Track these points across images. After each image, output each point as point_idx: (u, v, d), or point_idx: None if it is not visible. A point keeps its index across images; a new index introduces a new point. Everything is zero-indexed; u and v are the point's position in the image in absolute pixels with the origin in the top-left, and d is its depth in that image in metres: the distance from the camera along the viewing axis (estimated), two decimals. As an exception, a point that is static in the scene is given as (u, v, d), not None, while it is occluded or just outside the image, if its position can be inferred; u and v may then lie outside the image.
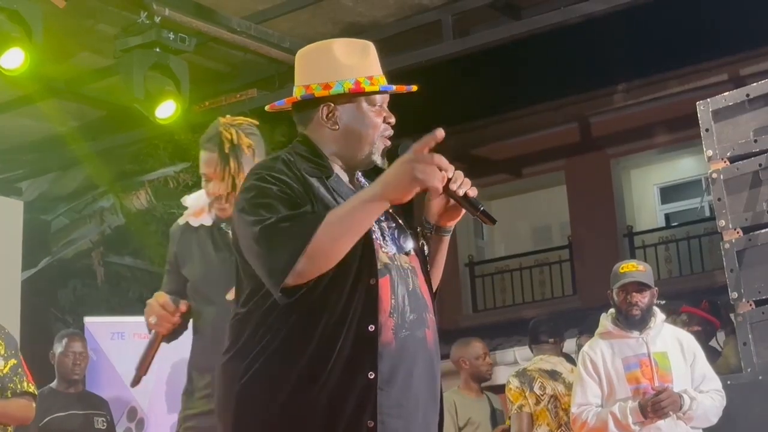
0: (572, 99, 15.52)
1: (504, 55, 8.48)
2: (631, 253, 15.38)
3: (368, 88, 3.00)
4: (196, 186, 12.62)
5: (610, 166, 15.85)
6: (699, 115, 5.98)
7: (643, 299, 5.70)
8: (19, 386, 5.08)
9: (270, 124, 13.44)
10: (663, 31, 13.39)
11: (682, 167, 16.19)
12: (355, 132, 3.03)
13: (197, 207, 4.18)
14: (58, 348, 7.06)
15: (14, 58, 6.28)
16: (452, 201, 3.05)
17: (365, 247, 2.86)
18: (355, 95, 3.01)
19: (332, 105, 3.02)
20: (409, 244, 3.05)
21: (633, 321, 5.70)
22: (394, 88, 3.03)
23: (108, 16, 7.26)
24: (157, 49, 6.93)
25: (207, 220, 4.11)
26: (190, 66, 7.17)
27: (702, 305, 7.60)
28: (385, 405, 2.80)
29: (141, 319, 4.06)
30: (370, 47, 3.08)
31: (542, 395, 6.63)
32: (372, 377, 2.78)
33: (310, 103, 3.04)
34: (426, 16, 7.75)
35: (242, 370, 2.84)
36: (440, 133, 2.79)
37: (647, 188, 16.66)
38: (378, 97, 3.04)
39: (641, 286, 5.71)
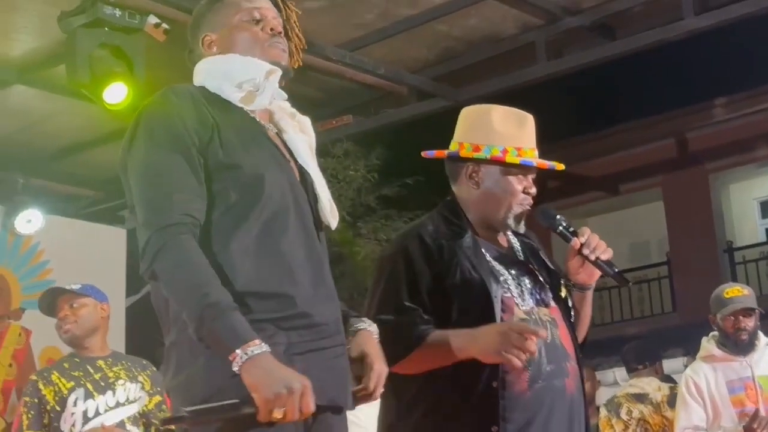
0: (668, 114, 15.39)
1: (599, 71, 8.44)
2: (732, 269, 15.18)
3: (509, 159, 3.17)
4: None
5: (709, 181, 15.67)
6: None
7: (749, 323, 5.68)
8: None
9: (366, 147, 13.57)
10: (760, 44, 13.20)
11: (783, 181, 15.95)
12: (493, 195, 3.22)
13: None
14: None
15: (117, 93, 6.41)
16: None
17: (485, 311, 3.05)
18: (497, 162, 3.19)
19: (477, 166, 3.22)
20: (549, 297, 3.22)
21: (742, 345, 5.67)
22: (535, 164, 3.20)
23: (206, 47, 7.38)
24: (255, 79, 7.03)
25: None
26: (286, 94, 7.25)
27: None
28: None
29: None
30: (528, 120, 3.25)
31: (629, 420, 6.61)
32: (495, 430, 2.96)
33: (459, 159, 3.26)
34: (520, 38, 7.74)
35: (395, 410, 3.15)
36: (542, 333, 3.01)
37: (747, 203, 16.42)
38: (522, 166, 3.20)
39: (748, 311, 5.68)
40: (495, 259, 3.20)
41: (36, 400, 5.13)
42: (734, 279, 14.64)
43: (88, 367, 5.22)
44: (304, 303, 2.53)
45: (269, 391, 2.33)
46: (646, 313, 16.14)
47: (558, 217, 3.26)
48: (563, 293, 3.28)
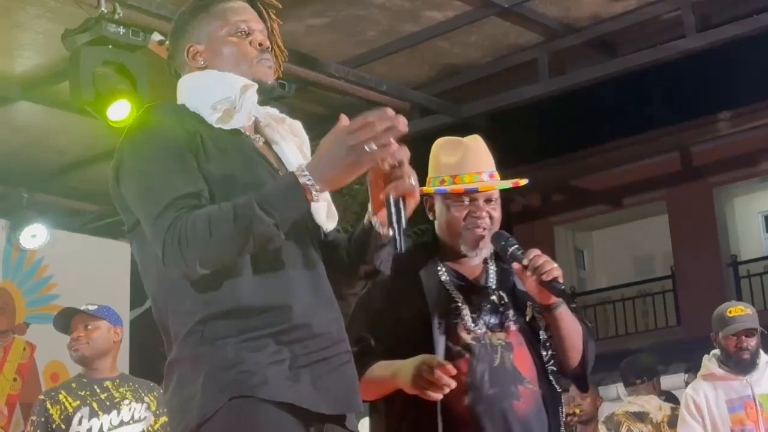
0: (672, 128, 15.39)
1: (602, 85, 8.49)
2: (736, 282, 15.16)
3: (426, 190, 3.30)
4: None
5: (713, 194, 15.66)
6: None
7: (752, 342, 5.70)
8: None
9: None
10: (764, 59, 13.22)
11: (788, 194, 15.94)
12: (442, 224, 3.36)
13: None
14: None
15: (121, 110, 6.44)
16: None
17: (424, 337, 3.17)
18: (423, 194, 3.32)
19: (431, 198, 3.36)
20: (510, 322, 3.27)
21: (744, 365, 5.69)
22: (447, 190, 3.28)
23: (210, 64, 7.41)
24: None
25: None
26: (290, 110, 7.27)
27: None
28: None
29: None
30: (463, 145, 3.33)
31: None
32: None
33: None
34: (522, 55, 7.78)
35: None
36: (450, 367, 3.01)
37: (752, 216, 16.42)
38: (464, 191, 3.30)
39: (750, 331, 5.70)
40: (455, 284, 3.30)
41: (42, 419, 5.14)
42: (738, 293, 14.64)
43: (95, 387, 5.23)
44: (303, 313, 2.49)
45: (346, 158, 2.36)
46: (650, 326, 16.12)
47: (509, 239, 3.27)
48: (528, 316, 3.31)
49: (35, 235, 9.16)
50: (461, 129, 8.77)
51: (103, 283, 9.57)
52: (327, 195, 2.60)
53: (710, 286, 14.36)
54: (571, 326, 3.31)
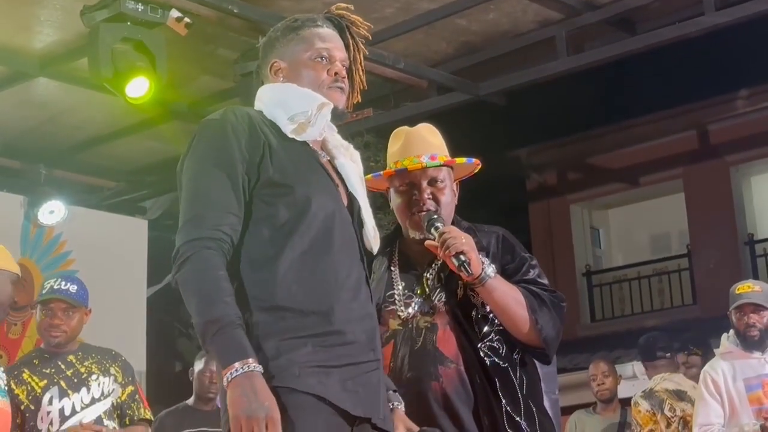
0: (689, 106, 15.32)
1: (620, 63, 8.46)
2: (752, 261, 15.12)
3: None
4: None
5: (730, 173, 15.59)
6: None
7: (761, 320, 5.69)
8: (136, 413, 5.25)
9: (386, 140, 13.58)
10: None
11: (805, 173, 15.85)
12: (394, 211, 3.51)
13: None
14: (197, 366, 6.73)
15: (139, 87, 6.47)
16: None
17: None
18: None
19: (388, 190, 3.54)
20: (441, 303, 3.34)
21: (752, 342, 5.68)
22: (381, 174, 3.48)
23: (228, 41, 7.41)
24: (277, 73, 7.08)
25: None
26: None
27: None
28: None
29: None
30: (403, 132, 3.49)
31: (672, 417, 6.54)
32: None
33: None
34: (540, 33, 7.76)
35: None
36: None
37: (769, 195, 16.35)
38: (400, 177, 3.45)
39: (757, 307, 5.68)
40: (401, 269, 3.44)
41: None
42: (755, 271, 14.62)
43: (59, 363, 5.15)
44: (339, 322, 2.70)
45: (244, 411, 2.49)
46: (666, 305, 16.08)
47: (435, 218, 3.36)
48: (460, 294, 3.36)
49: (53, 211, 9.19)
50: (479, 107, 8.81)
51: (121, 260, 9.62)
52: (372, 220, 2.93)
53: (726, 265, 14.32)
54: (506, 298, 3.32)
